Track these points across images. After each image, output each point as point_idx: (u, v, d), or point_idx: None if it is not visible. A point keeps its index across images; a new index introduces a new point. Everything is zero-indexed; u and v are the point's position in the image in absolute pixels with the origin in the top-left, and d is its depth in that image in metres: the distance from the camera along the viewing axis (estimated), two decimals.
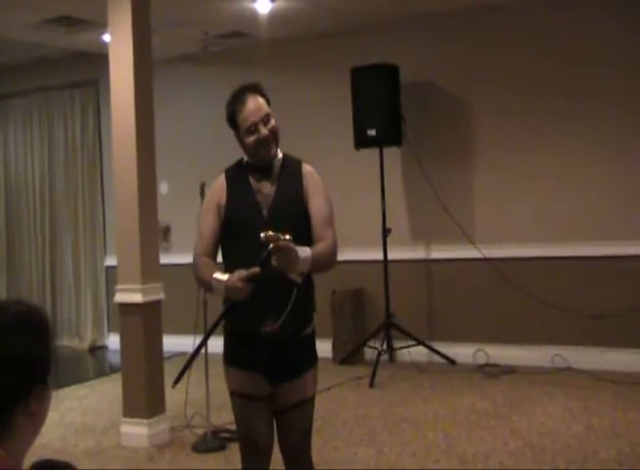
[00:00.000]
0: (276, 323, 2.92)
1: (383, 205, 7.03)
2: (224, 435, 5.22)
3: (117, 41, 5.32)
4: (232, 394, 3.13)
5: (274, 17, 6.94)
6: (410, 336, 7.06)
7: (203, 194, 5.31)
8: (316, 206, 3.06)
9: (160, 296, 5.37)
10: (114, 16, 5.32)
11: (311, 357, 3.16)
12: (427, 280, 7.41)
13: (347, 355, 7.28)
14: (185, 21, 7.08)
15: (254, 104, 3.01)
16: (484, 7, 7.03)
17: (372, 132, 6.96)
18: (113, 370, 7.59)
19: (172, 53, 8.13)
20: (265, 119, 3.01)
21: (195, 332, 5.23)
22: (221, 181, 3.13)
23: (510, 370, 6.67)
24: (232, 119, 3.07)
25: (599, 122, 6.74)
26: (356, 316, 7.48)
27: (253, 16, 6.90)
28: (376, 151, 7.04)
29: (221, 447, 5.06)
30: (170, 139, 8.04)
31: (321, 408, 5.92)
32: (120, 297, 5.31)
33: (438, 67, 7.33)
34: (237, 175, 3.12)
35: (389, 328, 7.07)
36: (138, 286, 5.21)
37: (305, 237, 2.99)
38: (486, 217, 7.16)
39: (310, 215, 3.05)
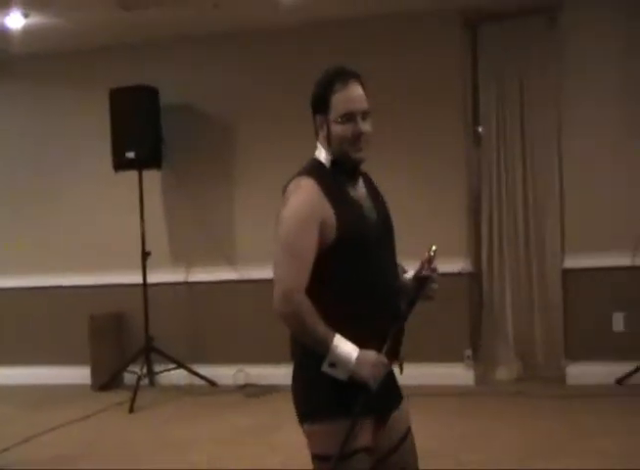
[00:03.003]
0: (396, 360, 2.48)
1: (142, 227, 6.98)
2: None
3: None
4: (357, 452, 2.42)
5: (28, 32, 6.69)
6: (170, 359, 7.04)
7: None
8: None
9: None
10: None
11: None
12: (188, 303, 7.41)
13: (107, 381, 7.10)
14: None
15: (358, 92, 2.47)
16: (245, 30, 7.15)
17: (131, 155, 6.91)
18: None
19: None
20: (365, 116, 2.47)
21: None
22: (315, 190, 2.42)
23: (269, 389, 6.80)
24: (322, 100, 2.48)
25: None
26: (116, 341, 7.33)
27: (4, 30, 6.64)
28: (136, 173, 7.00)
29: None
30: None
31: (81, 436, 5.77)
32: None
33: (199, 89, 7.37)
34: (328, 181, 2.46)
35: (150, 352, 7.01)
36: None
37: None
38: (247, 238, 7.27)
39: None
